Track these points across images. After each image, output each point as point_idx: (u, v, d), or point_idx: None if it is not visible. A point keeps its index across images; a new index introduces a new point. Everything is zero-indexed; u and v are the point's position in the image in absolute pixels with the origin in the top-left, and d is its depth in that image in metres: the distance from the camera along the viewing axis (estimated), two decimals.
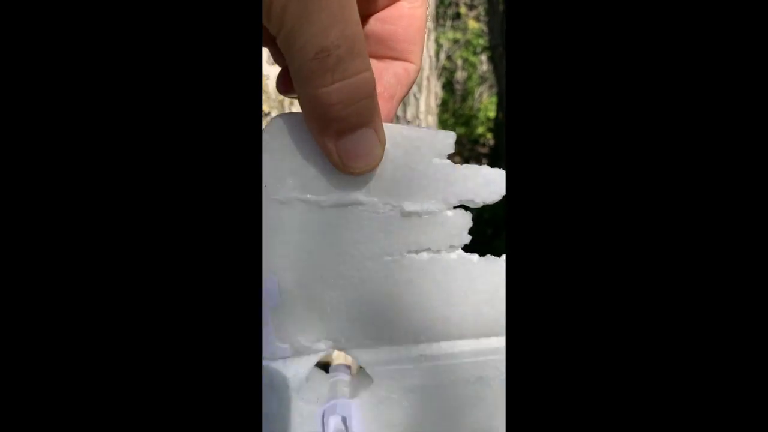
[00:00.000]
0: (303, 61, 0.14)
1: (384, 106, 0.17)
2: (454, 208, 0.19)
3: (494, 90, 3.90)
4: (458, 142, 0.28)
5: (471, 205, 0.19)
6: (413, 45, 0.18)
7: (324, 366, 0.22)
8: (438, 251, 0.18)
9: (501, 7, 3.33)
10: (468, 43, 5.94)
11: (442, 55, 6.01)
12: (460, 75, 6.24)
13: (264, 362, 0.19)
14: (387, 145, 0.16)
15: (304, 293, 0.18)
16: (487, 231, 2.33)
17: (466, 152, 4.71)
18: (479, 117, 5.42)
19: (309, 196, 0.17)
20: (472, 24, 6.08)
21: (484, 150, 4.79)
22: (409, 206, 0.18)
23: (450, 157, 0.19)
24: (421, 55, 0.19)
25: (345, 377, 0.20)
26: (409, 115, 0.71)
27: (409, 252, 0.18)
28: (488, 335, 0.20)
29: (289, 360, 0.19)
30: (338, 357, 0.52)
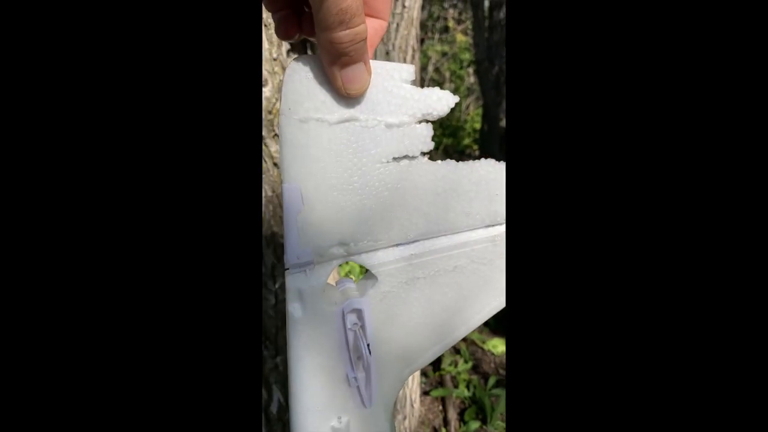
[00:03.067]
0: (328, 15, 0.21)
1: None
2: (419, 121, 0.24)
3: (480, 102, 4.00)
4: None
5: (430, 118, 0.24)
6: (385, 6, 0.25)
7: None
8: (414, 157, 0.24)
9: (486, 23, 3.43)
10: (455, 57, 6.05)
11: (430, 68, 6.10)
12: (447, 87, 6.34)
13: (288, 275, 0.23)
14: (372, 75, 0.23)
15: (320, 199, 0.23)
16: None
17: None
18: (466, 128, 5.51)
19: (320, 115, 0.23)
20: (460, 38, 6.20)
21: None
22: (390, 120, 0.23)
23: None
24: (389, 15, 0.25)
25: (351, 284, 0.25)
26: None
27: (394, 158, 0.23)
28: (458, 231, 0.25)
29: (309, 270, 0.23)
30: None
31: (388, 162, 0.23)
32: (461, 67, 5.98)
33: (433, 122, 0.24)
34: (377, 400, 0.25)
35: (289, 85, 0.22)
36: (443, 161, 0.25)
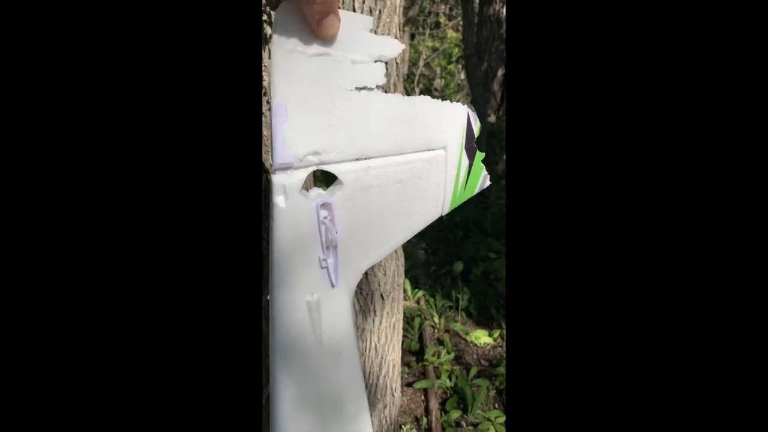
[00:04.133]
0: None
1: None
2: (375, 61, 0.30)
3: (470, 98, 4.03)
4: None
5: (383, 59, 0.30)
6: None
7: None
8: (371, 89, 0.30)
9: (476, 20, 3.44)
10: (445, 52, 6.06)
11: (421, 62, 6.11)
12: (438, 82, 6.35)
13: (273, 175, 0.28)
14: (341, 22, 0.28)
15: (301, 115, 0.28)
16: (458, 233, 2.45)
17: None
18: None
19: (301, 48, 0.28)
20: (451, 33, 6.21)
21: None
22: (354, 57, 0.29)
23: None
24: None
25: (322, 191, 0.31)
26: None
27: (356, 88, 0.29)
28: (404, 152, 0.31)
29: (290, 171, 0.29)
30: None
31: (351, 90, 0.29)
32: (450, 63, 5.99)
33: (384, 63, 0.30)
34: (341, 283, 0.31)
35: (279, 23, 0.27)
36: (393, 94, 0.31)
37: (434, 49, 6.25)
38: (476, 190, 0.35)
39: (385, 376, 1.33)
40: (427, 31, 6.26)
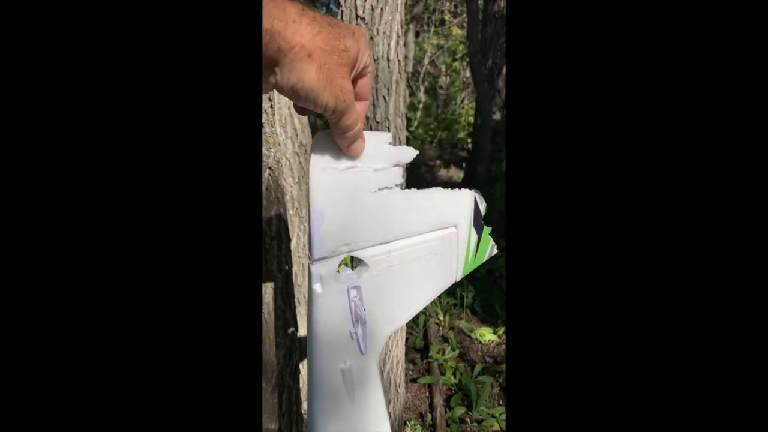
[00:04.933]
0: (339, 128, 0.32)
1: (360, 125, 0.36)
2: (394, 166, 0.36)
3: (475, 95, 4.02)
4: (440, 146, 0.38)
5: (400, 164, 0.36)
6: (367, 92, 0.35)
7: None
8: (391, 188, 0.36)
9: (481, 17, 3.43)
10: (450, 49, 6.04)
11: (426, 60, 6.10)
12: (443, 80, 6.33)
13: (312, 266, 0.35)
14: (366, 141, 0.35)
15: (334, 217, 0.34)
16: None
17: (446, 155, 4.80)
18: (460, 122, 5.52)
19: (333, 165, 0.34)
20: (456, 30, 6.19)
21: (463, 154, 4.89)
22: (376, 166, 0.35)
23: (433, 161, 0.38)
24: (369, 96, 0.37)
25: (350, 271, 0.36)
26: (379, 117, 0.78)
27: (379, 189, 0.35)
28: (419, 233, 0.37)
29: (325, 260, 0.35)
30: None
31: (375, 192, 0.35)
32: (454, 60, 5.97)
33: (402, 166, 0.36)
34: (370, 350, 0.36)
35: (316, 147, 0.34)
36: (410, 190, 0.37)
37: (439, 47, 6.23)
38: (485, 258, 0.40)
39: (389, 373, 1.34)
40: (432, 29, 6.25)
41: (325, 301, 0.35)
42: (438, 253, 0.38)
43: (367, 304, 0.36)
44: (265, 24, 0.24)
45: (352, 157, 0.34)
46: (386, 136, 0.36)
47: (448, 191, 0.38)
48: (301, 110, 0.35)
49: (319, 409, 0.36)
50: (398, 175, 0.36)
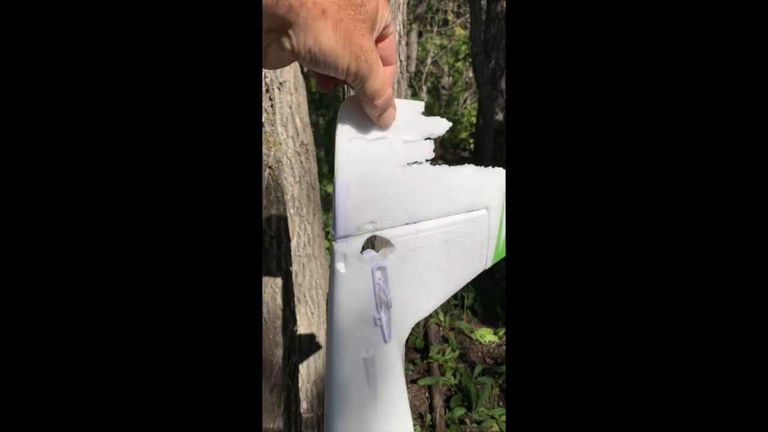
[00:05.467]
0: (366, 93, 0.29)
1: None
2: (425, 139, 0.34)
3: (478, 96, 4.01)
4: (442, 146, 0.38)
5: (432, 137, 0.34)
6: (392, 55, 0.32)
7: None
8: (421, 163, 0.33)
9: (484, 17, 3.42)
10: (453, 49, 6.04)
11: (429, 60, 6.09)
12: (446, 80, 6.33)
13: (335, 244, 0.32)
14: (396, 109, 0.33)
15: (359, 192, 0.32)
16: None
17: (449, 156, 4.79)
18: (463, 122, 5.52)
19: (361, 135, 0.32)
20: (459, 31, 6.19)
21: (465, 154, 4.89)
22: (406, 138, 0.33)
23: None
24: (394, 59, 0.35)
25: (374, 253, 0.34)
26: None
27: (408, 164, 0.33)
28: (449, 214, 0.35)
29: (350, 239, 0.32)
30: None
31: (404, 166, 0.33)
32: (457, 60, 5.96)
33: (434, 139, 0.34)
34: (394, 338, 0.34)
35: (343, 115, 0.32)
36: (440, 165, 0.34)
37: (442, 47, 6.22)
38: None
39: None
40: (435, 29, 6.24)
41: (348, 282, 0.32)
42: (467, 236, 0.35)
43: (392, 288, 0.33)
44: None
45: (382, 127, 0.32)
46: (419, 105, 0.34)
47: (480, 168, 0.35)
48: (324, 84, 0.33)
49: (337, 402, 0.33)
50: (429, 150, 0.33)
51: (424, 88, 6.08)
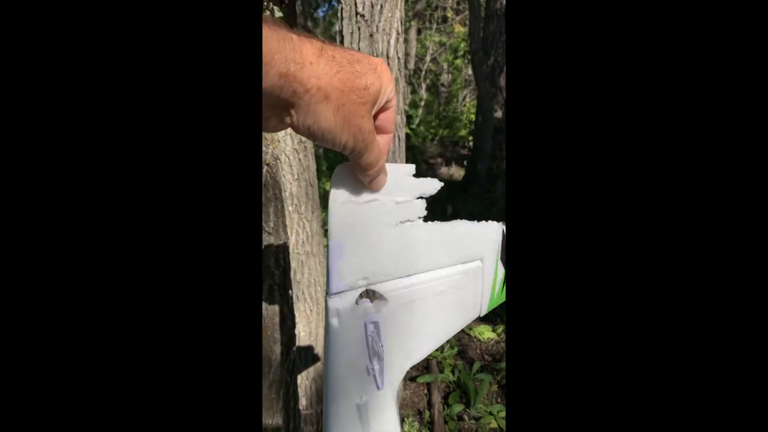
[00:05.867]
0: (361, 165, 0.31)
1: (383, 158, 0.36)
2: (417, 198, 0.35)
3: (477, 93, 4.00)
4: (441, 144, 0.38)
5: (424, 197, 0.35)
6: (390, 125, 0.34)
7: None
8: (413, 221, 0.35)
9: (483, 14, 3.41)
10: (452, 47, 6.02)
11: (428, 57, 6.08)
12: (445, 78, 6.32)
13: (329, 300, 0.34)
14: (388, 174, 0.34)
15: (353, 251, 0.34)
16: (447, 210, 2.61)
17: (448, 153, 4.79)
18: (462, 120, 5.51)
19: (354, 199, 0.34)
20: (458, 28, 6.17)
21: (464, 152, 4.88)
22: (398, 199, 0.35)
23: (434, 159, 0.38)
24: (393, 128, 0.36)
25: (369, 303, 0.35)
26: None
27: (400, 222, 0.35)
28: (442, 267, 0.36)
29: (343, 294, 0.34)
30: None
31: (396, 225, 0.34)
32: (455, 57, 5.95)
33: (425, 198, 0.35)
34: (387, 385, 0.35)
35: (336, 180, 0.34)
36: (433, 222, 0.36)
37: (441, 44, 6.21)
38: None
39: None
40: (434, 26, 6.23)
41: (341, 335, 0.34)
42: (461, 287, 0.37)
43: (385, 339, 0.35)
44: (281, 68, 0.24)
45: (374, 191, 0.34)
46: (409, 168, 0.35)
47: (473, 223, 0.37)
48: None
49: None
50: (421, 208, 0.35)
51: (423, 86, 6.07)
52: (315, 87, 0.25)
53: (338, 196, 0.33)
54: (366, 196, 0.34)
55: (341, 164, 0.34)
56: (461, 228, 0.36)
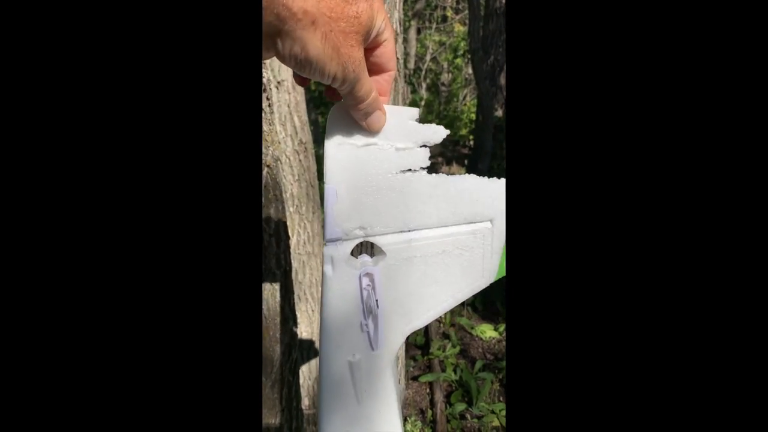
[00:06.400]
0: (350, 98, 0.30)
1: (384, 99, 0.33)
2: (420, 146, 0.33)
3: (477, 92, 4.00)
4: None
5: (428, 144, 0.33)
6: (392, 61, 0.32)
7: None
8: (415, 170, 0.33)
9: (482, 12, 3.41)
10: (452, 46, 6.02)
11: (428, 57, 6.08)
12: (445, 77, 6.31)
13: (324, 247, 0.32)
14: (387, 116, 0.32)
15: (349, 197, 0.32)
16: None
17: (448, 152, 4.79)
18: (462, 119, 5.50)
19: (351, 141, 0.32)
20: (458, 27, 6.17)
21: (465, 151, 4.88)
22: (399, 145, 0.32)
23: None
24: (395, 65, 0.34)
25: (368, 258, 0.34)
26: None
27: (401, 171, 0.33)
28: (446, 225, 0.33)
29: (339, 243, 0.32)
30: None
31: (396, 173, 0.32)
32: (456, 56, 5.95)
33: (429, 147, 0.33)
34: (383, 346, 0.33)
35: (332, 121, 0.32)
36: (438, 174, 0.33)
37: (441, 44, 6.20)
38: None
39: None
40: (434, 25, 6.22)
41: (334, 285, 0.32)
42: (467, 249, 0.33)
43: (382, 296, 0.32)
44: None
45: (371, 132, 0.31)
46: (412, 112, 0.33)
47: (484, 179, 0.33)
48: (300, 80, 0.32)
49: (325, 399, 0.34)
50: (424, 157, 0.32)
51: (424, 85, 6.07)
52: (301, 11, 0.24)
53: (334, 137, 0.31)
54: (363, 139, 0.32)
55: (336, 103, 0.32)
56: (469, 183, 0.33)
